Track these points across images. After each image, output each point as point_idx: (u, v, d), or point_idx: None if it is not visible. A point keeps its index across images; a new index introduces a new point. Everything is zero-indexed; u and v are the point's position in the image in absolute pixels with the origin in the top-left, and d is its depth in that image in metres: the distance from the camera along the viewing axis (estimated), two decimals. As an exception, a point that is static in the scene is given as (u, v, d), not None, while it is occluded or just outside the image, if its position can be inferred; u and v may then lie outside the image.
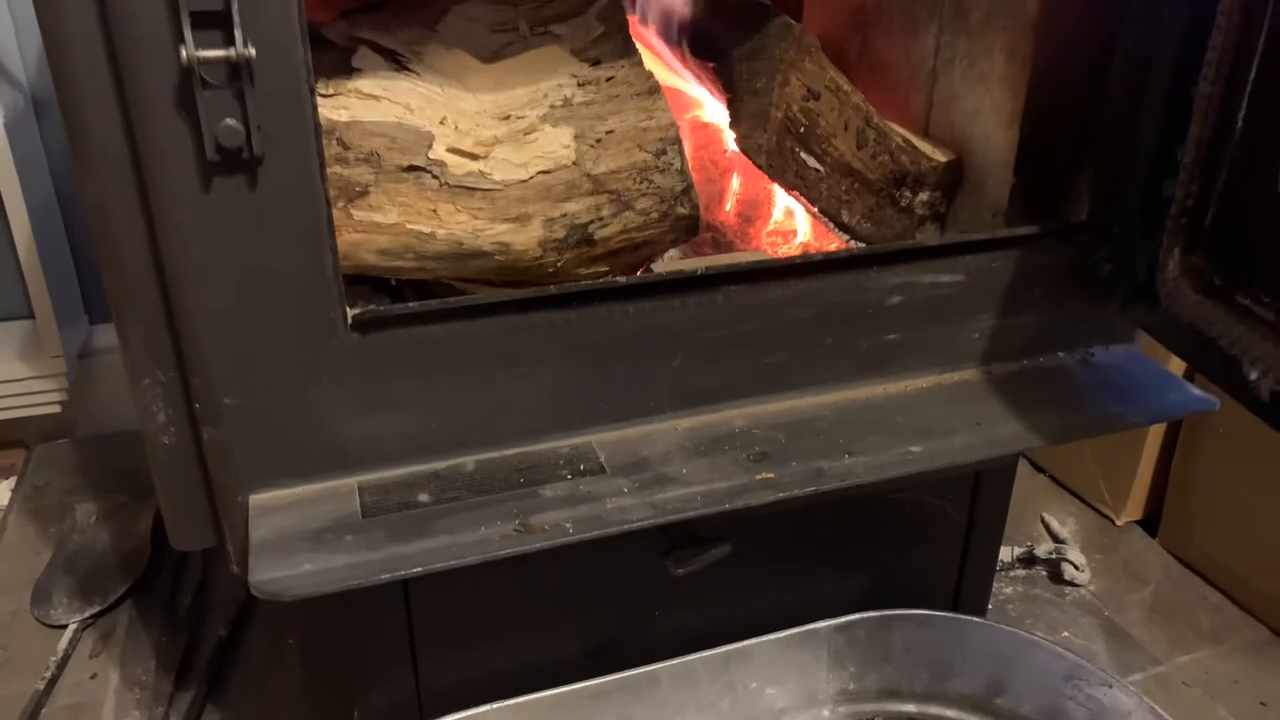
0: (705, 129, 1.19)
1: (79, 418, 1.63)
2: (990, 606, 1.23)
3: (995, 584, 1.32)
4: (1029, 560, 1.42)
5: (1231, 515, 1.35)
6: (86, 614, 1.27)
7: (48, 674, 1.18)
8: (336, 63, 0.86)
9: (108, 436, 1.61)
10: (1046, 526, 1.49)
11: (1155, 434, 1.43)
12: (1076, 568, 1.39)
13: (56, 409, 1.54)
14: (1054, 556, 1.40)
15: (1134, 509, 1.49)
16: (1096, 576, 1.40)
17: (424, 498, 0.79)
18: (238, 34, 0.63)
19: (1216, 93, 0.78)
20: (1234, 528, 1.35)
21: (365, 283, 0.90)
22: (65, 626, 1.25)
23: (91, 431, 1.63)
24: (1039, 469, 1.61)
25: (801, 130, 1.08)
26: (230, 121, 0.64)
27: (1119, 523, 1.50)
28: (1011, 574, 1.41)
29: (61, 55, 0.64)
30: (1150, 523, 1.49)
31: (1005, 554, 1.41)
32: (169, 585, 1.32)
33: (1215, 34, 0.77)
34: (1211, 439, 1.37)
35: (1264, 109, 0.76)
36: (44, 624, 1.26)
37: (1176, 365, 1.14)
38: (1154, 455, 1.45)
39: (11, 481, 1.55)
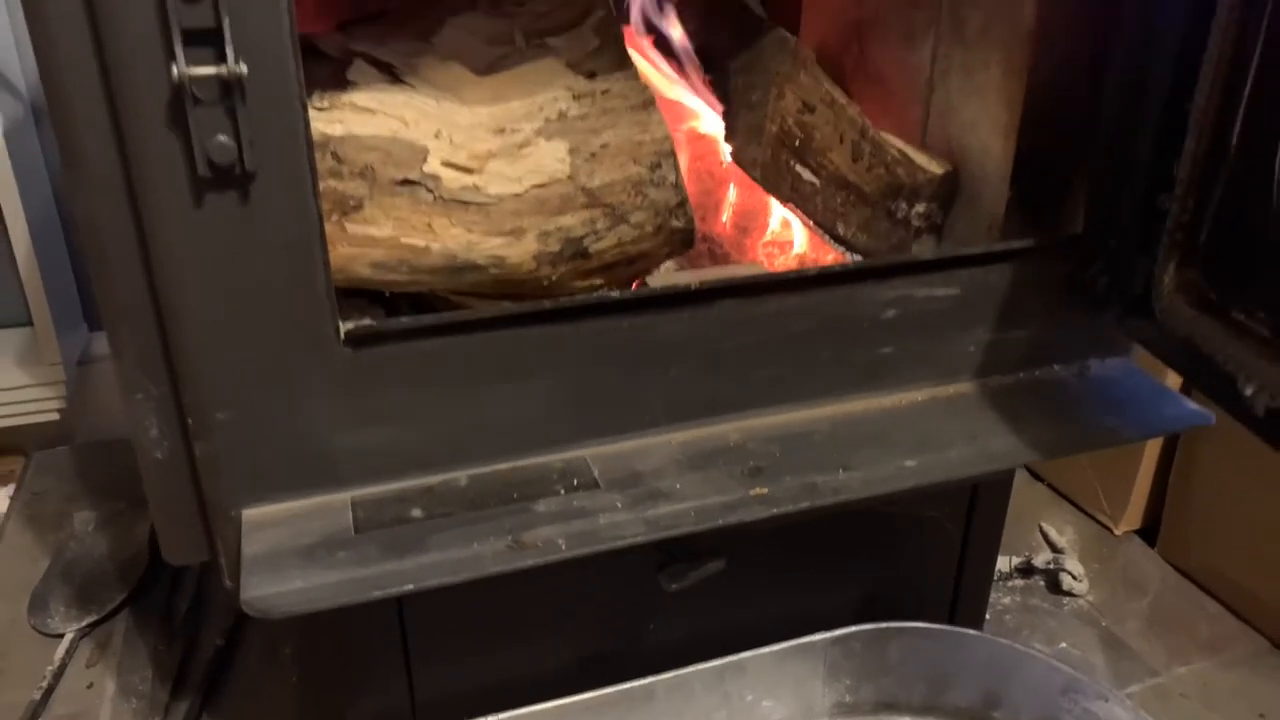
0: (702, 139, 1.19)
1: (78, 425, 1.62)
2: (988, 617, 1.23)
3: (993, 594, 1.31)
4: (1027, 570, 1.42)
5: (1231, 525, 1.35)
6: (84, 622, 1.26)
7: (44, 683, 1.17)
8: (331, 75, 0.86)
9: (106, 444, 1.60)
10: (1045, 535, 1.49)
11: (1154, 443, 1.43)
12: (1075, 578, 1.38)
13: (55, 416, 1.53)
14: (1052, 566, 1.40)
15: (1133, 518, 1.48)
16: (1095, 586, 1.40)
17: (417, 513, 0.79)
18: (229, 51, 0.63)
19: (1212, 107, 0.78)
20: (1234, 537, 1.35)
21: (360, 295, 0.90)
22: (62, 635, 1.24)
23: (90, 438, 1.63)
24: (1038, 478, 1.60)
25: (796, 143, 1.08)
26: (222, 138, 0.64)
27: (1118, 532, 1.49)
28: (1009, 584, 1.40)
29: (53, 71, 0.64)
30: (1149, 532, 1.48)
31: (1003, 564, 1.40)
32: (166, 593, 1.31)
33: (1210, 48, 0.77)
34: (1211, 448, 1.36)
35: (1259, 124, 0.75)
36: (41, 633, 1.26)
37: (1174, 379, 1.13)
38: (1153, 464, 1.44)
39: (10, 489, 1.54)
